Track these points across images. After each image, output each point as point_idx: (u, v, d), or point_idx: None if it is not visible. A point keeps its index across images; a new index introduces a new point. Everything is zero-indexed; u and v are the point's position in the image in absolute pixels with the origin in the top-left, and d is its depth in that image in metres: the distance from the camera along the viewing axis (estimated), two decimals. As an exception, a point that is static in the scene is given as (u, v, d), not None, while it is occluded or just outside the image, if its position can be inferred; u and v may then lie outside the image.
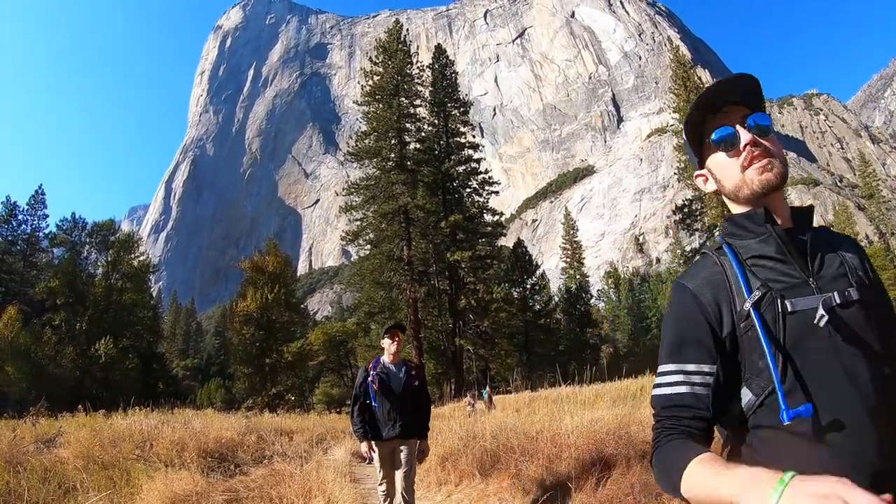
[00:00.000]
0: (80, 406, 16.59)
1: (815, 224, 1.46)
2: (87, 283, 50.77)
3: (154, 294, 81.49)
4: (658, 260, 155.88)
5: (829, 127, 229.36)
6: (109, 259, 52.68)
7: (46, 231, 57.14)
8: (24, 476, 7.03)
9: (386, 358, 5.89)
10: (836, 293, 1.29)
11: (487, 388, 28.67)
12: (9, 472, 7.07)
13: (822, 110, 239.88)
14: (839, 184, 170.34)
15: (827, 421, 1.18)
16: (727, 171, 1.44)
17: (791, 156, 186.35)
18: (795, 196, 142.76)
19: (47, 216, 57.83)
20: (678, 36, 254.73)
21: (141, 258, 56.55)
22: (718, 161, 1.46)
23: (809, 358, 1.24)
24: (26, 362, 40.81)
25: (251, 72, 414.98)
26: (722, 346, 1.34)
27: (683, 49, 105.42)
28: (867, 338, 1.26)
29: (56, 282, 48.87)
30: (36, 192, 57.95)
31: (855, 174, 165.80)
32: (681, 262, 55.91)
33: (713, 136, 1.44)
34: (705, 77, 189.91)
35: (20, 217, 56.77)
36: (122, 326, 51.27)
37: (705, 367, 1.32)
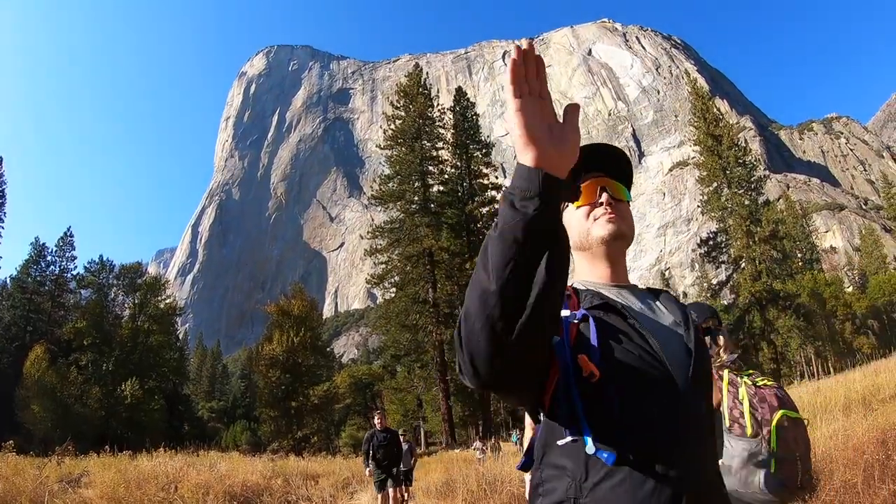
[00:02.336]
0: (105, 446, 16.57)
1: None
2: (114, 325, 51.25)
3: (180, 336, 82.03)
4: (685, 294, 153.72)
5: (851, 150, 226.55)
6: (136, 301, 53.17)
7: (74, 272, 57.93)
8: None
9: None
10: None
11: (518, 432, 28.03)
12: None
13: (842, 133, 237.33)
14: (864, 206, 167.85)
15: None
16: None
17: (814, 181, 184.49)
18: (821, 222, 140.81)
19: (75, 258, 58.84)
20: (695, 68, 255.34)
21: (167, 300, 57.03)
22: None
23: None
24: (52, 401, 41.12)
25: (275, 117, 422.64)
26: None
27: (701, 81, 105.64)
28: None
29: (83, 322, 49.44)
30: (65, 234, 59.01)
31: (879, 196, 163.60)
32: (708, 294, 55.09)
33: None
34: (724, 107, 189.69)
35: (49, 258, 57.79)
36: (149, 368, 51.51)
37: None
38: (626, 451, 1.14)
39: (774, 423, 2.36)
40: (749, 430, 2.39)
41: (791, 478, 2.32)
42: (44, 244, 58.13)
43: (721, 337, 2.89)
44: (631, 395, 1.19)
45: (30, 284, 56.27)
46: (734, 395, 2.51)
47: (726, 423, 2.48)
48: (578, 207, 1.52)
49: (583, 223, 1.50)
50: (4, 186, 59.04)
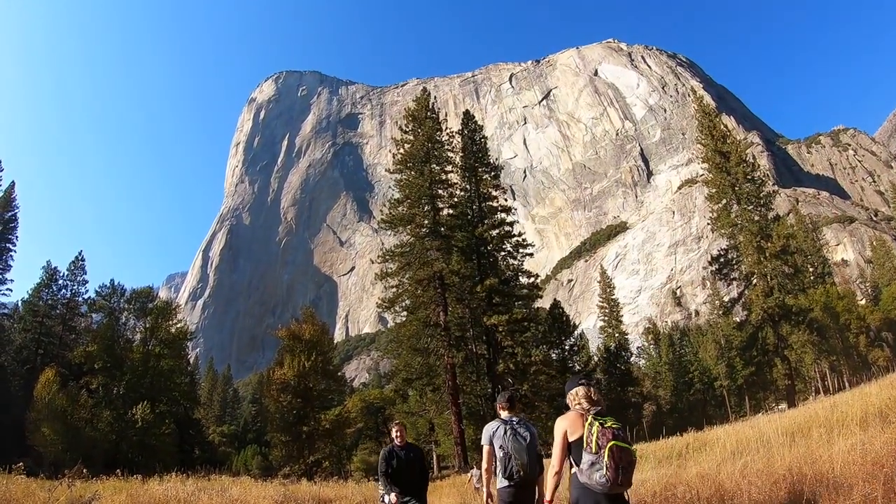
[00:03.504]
0: (115, 470, 16.52)
1: None
2: (125, 349, 51.27)
3: (191, 360, 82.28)
4: (697, 312, 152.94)
5: (859, 161, 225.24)
6: (147, 325, 53.23)
7: (86, 296, 58.44)
8: None
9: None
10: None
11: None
12: None
13: (850, 145, 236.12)
14: (874, 218, 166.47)
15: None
16: None
17: (823, 194, 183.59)
18: (832, 235, 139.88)
19: (87, 282, 59.59)
20: (701, 85, 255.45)
21: (178, 325, 57.12)
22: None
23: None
24: (62, 424, 41.07)
25: (285, 142, 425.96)
26: None
27: (707, 98, 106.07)
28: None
29: (94, 346, 49.53)
30: (76, 258, 59.64)
31: (889, 207, 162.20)
32: (719, 312, 54.81)
33: None
34: (731, 123, 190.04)
35: (60, 282, 58.49)
36: (159, 392, 51.48)
37: None
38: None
39: (607, 448, 4.35)
40: (593, 449, 4.44)
41: (613, 478, 4.31)
42: (55, 268, 58.91)
43: (592, 390, 4.92)
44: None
45: (41, 308, 56.80)
46: (590, 430, 4.50)
47: (584, 445, 4.53)
48: None
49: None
50: (17, 210, 59.94)
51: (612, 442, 4.31)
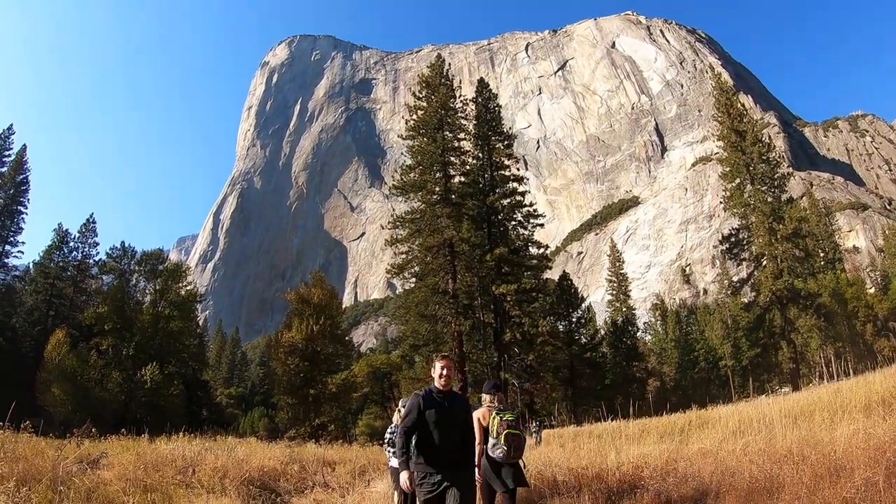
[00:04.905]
0: (124, 429, 16.76)
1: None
2: (135, 310, 51.82)
3: (200, 323, 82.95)
4: (705, 291, 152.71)
5: (876, 148, 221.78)
6: (157, 287, 53.75)
7: (97, 258, 59.19)
8: (68, 495, 7.10)
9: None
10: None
11: (535, 423, 28.04)
12: (52, 490, 7.14)
13: (867, 131, 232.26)
14: (888, 207, 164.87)
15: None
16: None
17: (838, 180, 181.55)
18: (844, 221, 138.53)
19: (98, 244, 60.18)
20: (719, 62, 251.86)
21: (188, 287, 57.66)
22: None
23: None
24: (72, 384, 41.80)
25: (297, 107, 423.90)
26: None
27: (725, 76, 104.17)
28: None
29: (105, 308, 50.10)
30: (87, 220, 60.03)
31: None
32: (728, 292, 54.70)
33: None
34: (748, 103, 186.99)
35: (71, 244, 58.94)
36: (168, 353, 52.13)
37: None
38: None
39: (504, 434, 6.24)
40: (494, 434, 6.32)
41: (507, 454, 6.22)
42: (67, 230, 59.32)
43: (496, 398, 6.90)
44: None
45: (52, 270, 57.30)
46: (493, 422, 6.39)
47: (490, 431, 6.41)
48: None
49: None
50: (28, 173, 60.21)
51: (507, 430, 6.23)
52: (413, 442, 5.45)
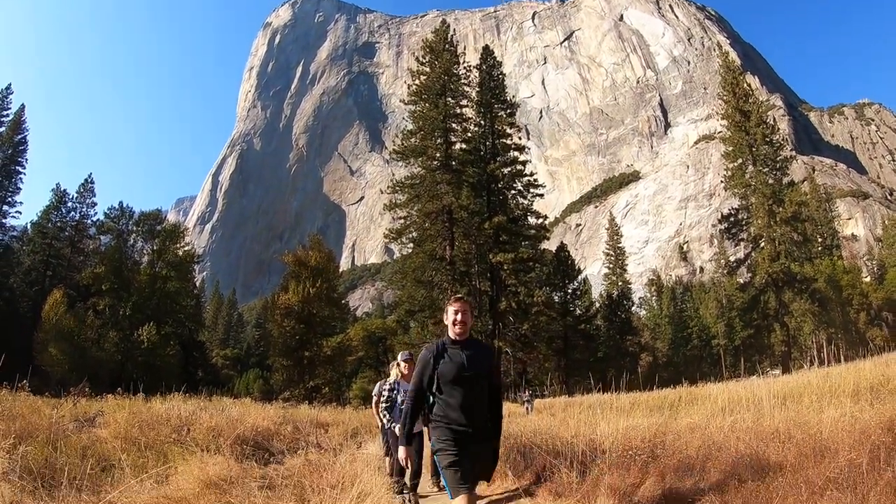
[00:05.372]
0: (120, 389, 16.89)
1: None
2: (133, 271, 51.89)
3: (197, 284, 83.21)
4: (701, 269, 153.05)
5: (881, 138, 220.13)
6: (155, 248, 53.80)
7: (94, 219, 58.87)
8: (64, 452, 7.20)
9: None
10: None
11: (528, 393, 28.49)
12: (49, 446, 7.23)
13: (872, 120, 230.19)
14: (889, 197, 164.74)
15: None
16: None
17: (841, 167, 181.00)
18: (844, 209, 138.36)
19: (96, 204, 59.85)
20: (727, 41, 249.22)
21: (186, 248, 57.66)
22: None
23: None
24: (69, 344, 42.10)
25: (299, 69, 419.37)
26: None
27: (733, 55, 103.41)
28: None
29: (102, 268, 50.16)
30: (85, 180, 59.80)
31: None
32: (724, 272, 54.84)
33: None
34: (755, 83, 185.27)
35: (69, 204, 58.66)
36: (165, 314, 52.40)
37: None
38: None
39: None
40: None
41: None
42: (64, 190, 59.02)
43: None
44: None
45: (50, 230, 57.16)
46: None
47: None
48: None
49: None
50: (27, 133, 59.68)
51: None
52: (426, 408, 4.43)
